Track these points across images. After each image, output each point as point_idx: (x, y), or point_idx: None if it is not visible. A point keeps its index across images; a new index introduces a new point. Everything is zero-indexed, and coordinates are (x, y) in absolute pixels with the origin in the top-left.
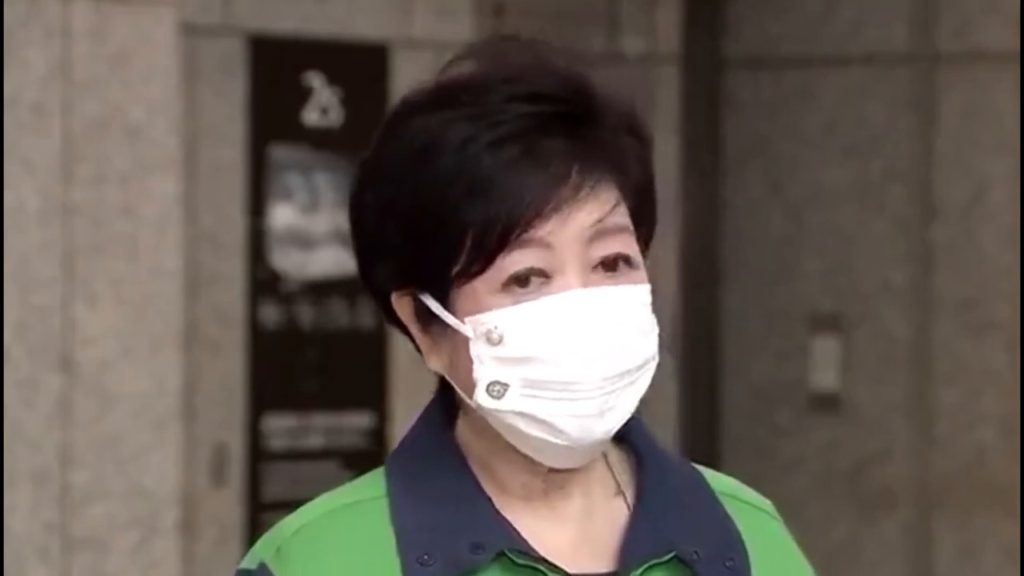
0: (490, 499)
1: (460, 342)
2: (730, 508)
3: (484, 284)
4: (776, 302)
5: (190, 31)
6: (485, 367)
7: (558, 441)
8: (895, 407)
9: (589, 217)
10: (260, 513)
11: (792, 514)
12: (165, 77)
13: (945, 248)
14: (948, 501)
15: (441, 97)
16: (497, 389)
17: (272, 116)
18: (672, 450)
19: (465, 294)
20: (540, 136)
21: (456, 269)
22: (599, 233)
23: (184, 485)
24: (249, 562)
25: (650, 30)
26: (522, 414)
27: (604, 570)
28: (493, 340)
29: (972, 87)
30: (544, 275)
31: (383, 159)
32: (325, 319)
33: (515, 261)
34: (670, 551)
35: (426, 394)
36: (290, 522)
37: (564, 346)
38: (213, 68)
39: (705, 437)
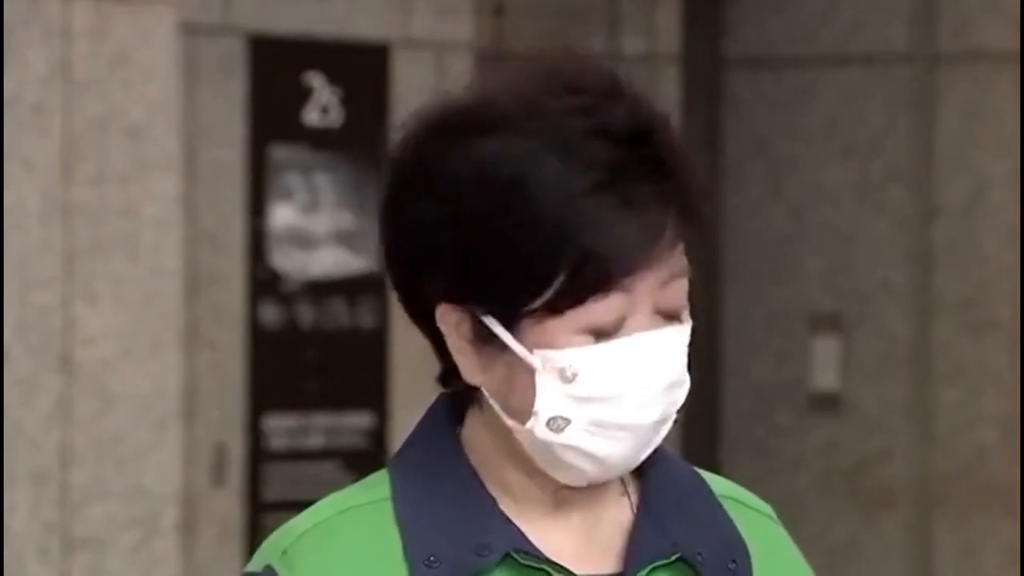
0: (495, 500)
1: (521, 369)
2: (731, 511)
3: (564, 323)
4: (776, 302)
5: (190, 31)
6: (550, 401)
7: (598, 472)
8: (895, 407)
9: (669, 266)
10: (260, 513)
11: (792, 514)
12: (165, 77)
13: (945, 248)
14: (948, 501)
15: (505, 116)
16: (559, 424)
17: (272, 116)
18: (672, 452)
19: (538, 327)
20: (633, 182)
21: (536, 304)
22: (671, 278)
23: (184, 485)
24: (255, 564)
25: (650, 30)
26: (576, 448)
27: (609, 571)
28: (567, 378)
29: (972, 87)
30: (623, 319)
31: (443, 177)
32: (325, 319)
33: (606, 309)
34: (675, 553)
35: (426, 394)
36: (297, 524)
37: (634, 389)
38: (213, 68)
39: (705, 437)
